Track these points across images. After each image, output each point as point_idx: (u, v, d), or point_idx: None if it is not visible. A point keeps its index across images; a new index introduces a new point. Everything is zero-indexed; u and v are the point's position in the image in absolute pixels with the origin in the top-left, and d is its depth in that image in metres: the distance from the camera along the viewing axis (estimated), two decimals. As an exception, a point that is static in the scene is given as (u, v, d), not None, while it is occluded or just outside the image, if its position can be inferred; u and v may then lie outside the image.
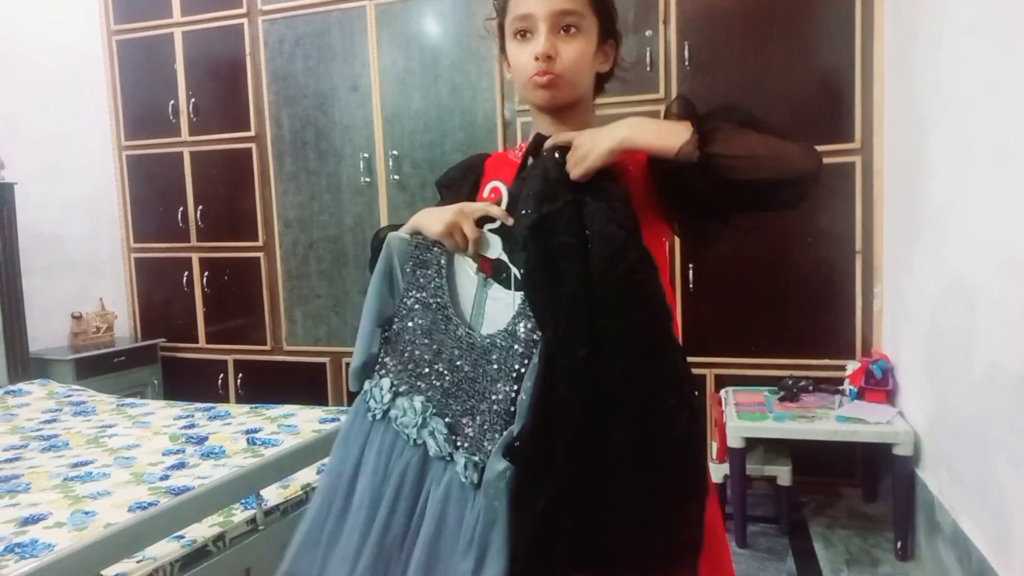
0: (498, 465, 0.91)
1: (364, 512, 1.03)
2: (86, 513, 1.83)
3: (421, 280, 1.08)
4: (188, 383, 3.85)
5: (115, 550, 1.42)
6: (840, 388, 2.78)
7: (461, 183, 1.19)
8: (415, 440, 1.02)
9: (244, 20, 3.61)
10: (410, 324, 1.08)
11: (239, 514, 1.80)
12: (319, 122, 3.57)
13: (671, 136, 0.91)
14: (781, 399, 2.75)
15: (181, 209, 3.83)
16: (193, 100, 3.75)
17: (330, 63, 3.51)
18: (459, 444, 0.99)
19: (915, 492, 2.41)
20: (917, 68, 2.39)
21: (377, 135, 3.46)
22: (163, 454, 2.31)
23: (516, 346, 0.96)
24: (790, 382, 2.81)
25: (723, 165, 0.88)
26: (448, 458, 0.99)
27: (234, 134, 3.71)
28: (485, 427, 0.97)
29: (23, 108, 3.54)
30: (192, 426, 2.62)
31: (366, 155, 3.47)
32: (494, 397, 0.96)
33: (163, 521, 1.52)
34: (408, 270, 1.09)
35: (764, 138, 0.92)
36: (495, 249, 1.05)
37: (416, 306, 1.08)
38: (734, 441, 2.56)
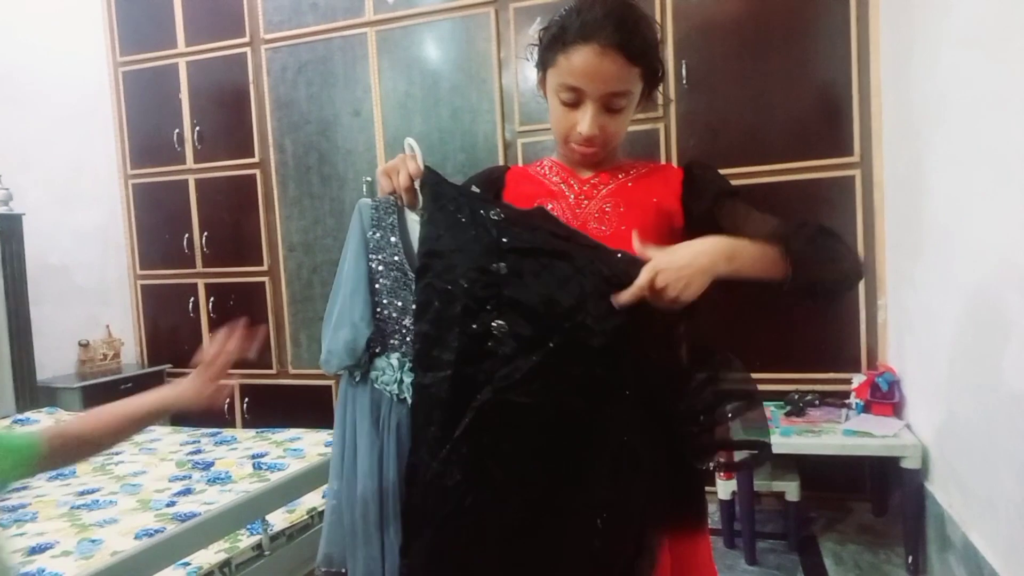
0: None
1: (373, 468, 1.09)
2: (93, 541, 1.83)
3: (381, 242, 1.11)
4: (195, 409, 3.84)
5: (121, 577, 1.42)
6: (846, 402, 2.77)
7: (485, 191, 1.18)
8: (398, 396, 1.07)
9: (247, 49, 3.67)
10: (377, 285, 1.11)
11: (245, 540, 1.81)
12: (322, 147, 3.60)
13: (768, 266, 0.96)
14: (787, 414, 2.74)
15: (187, 235, 3.87)
16: (198, 128, 3.80)
17: (332, 89, 3.56)
18: None
19: (925, 506, 2.39)
20: (914, 80, 2.41)
21: (379, 159, 3.49)
22: (169, 480, 2.32)
23: None
24: (796, 397, 2.80)
25: (809, 284, 0.98)
26: None
27: (238, 160, 3.75)
28: None
29: (32, 140, 3.60)
30: (199, 451, 2.63)
31: (368, 179, 3.50)
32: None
33: (169, 548, 1.53)
34: (371, 233, 1.12)
35: (834, 250, 1.00)
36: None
37: (380, 267, 1.11)
38: (741, 457, 2.54)
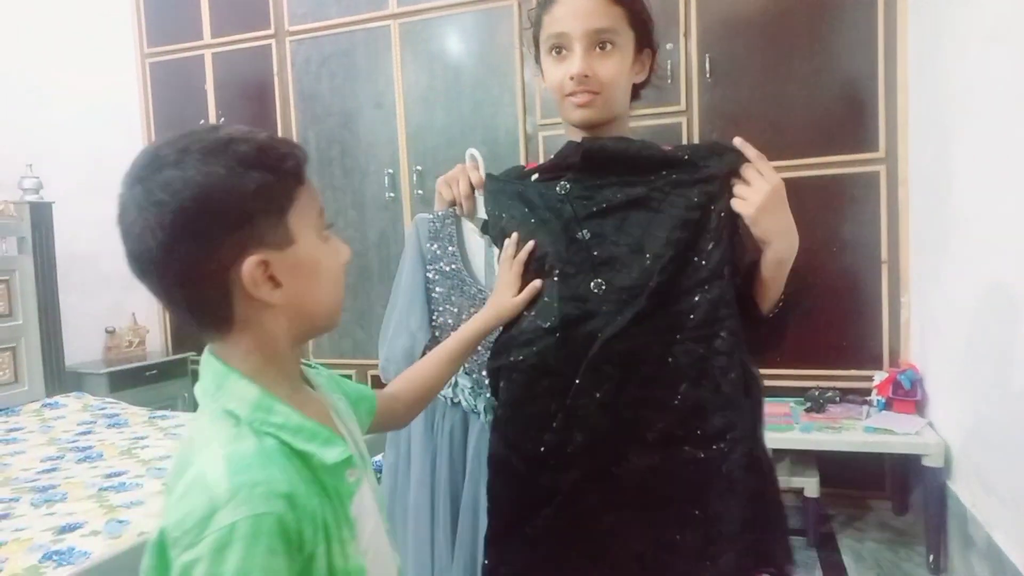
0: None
1: (425, 474, 1.13)
2: (120, 522, 1.87)
3: (438, 252, 1.15)
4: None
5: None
6: (867, 399, 2.75)
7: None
8: (452, 399, 1.11)
9: (272, 40, 3.71)
10: (434, 295, 1.15)
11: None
12: (344, 139, 3.63)
13: (775, 292, 1.03)
14: (807, 410, 2.73)
15: (211, 226, 3.91)
16: (222, 119, 3.84)
17: (355, 81, 3.58)
18: (486, 395, 1.11)
19: (946, 505, 2.37)
20: (941, 76, 2.38)
21: (401, 151, 3.51)
22: (194, 465, 2.36)
23: None
24: (816, 393, 2.79)
25: (778, 331, 1.06)
26: (475, 410, 1.10)
27: (262, 152, 3.78)
28: None
29: (61, 130, 3.66)
30: (222, 438, 2.67)
31: (391, 171, 3.52)
32: None
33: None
34: (428, 245, 1.16)
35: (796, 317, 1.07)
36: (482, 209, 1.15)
37: (436, 276, 1.15)
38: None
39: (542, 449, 0.99)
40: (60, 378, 3.43)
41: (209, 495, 0.61)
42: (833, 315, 2.91)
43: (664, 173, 1.02)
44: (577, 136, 1.12)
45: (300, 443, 0.68)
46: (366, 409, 0.92)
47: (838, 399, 2.79)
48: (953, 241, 2.31)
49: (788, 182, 3.10)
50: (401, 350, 1.13)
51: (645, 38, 1.10)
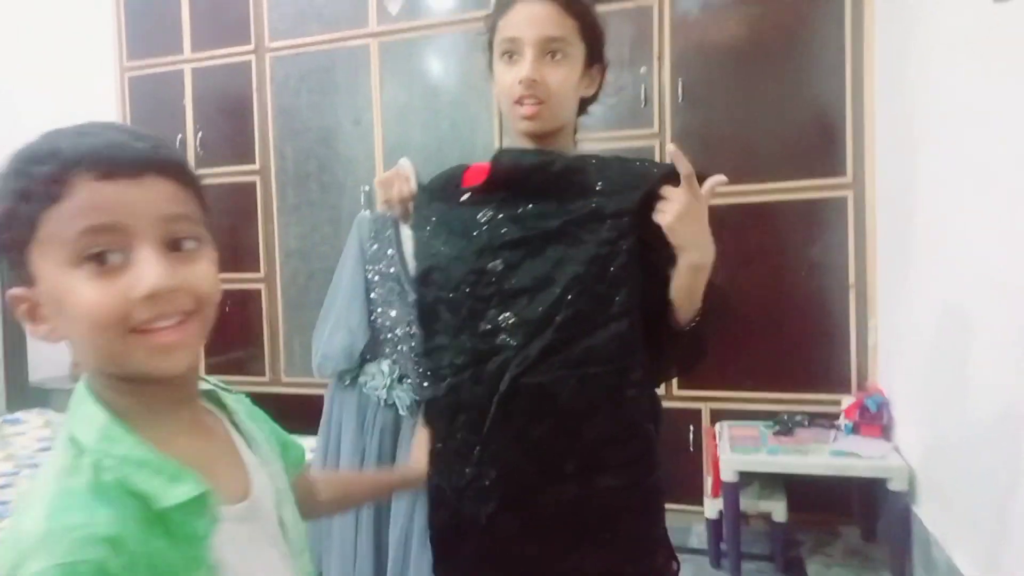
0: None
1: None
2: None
3: (378, 253, 1.17)
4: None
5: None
6: (835, 423, 2.75)
7: (444, 189, 1.21)
8: (385, 401, 1.12)
9: (252, 56, 3.72)
10: (373, 295, 1.16)
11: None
12: (322, 155, 3.63)
13: (692, 302, 1.03)
14: (776, 433, 2.72)
15: (185, 240, 3.88)
16: (200, 134, 3.83)
17: (334, 98, 3.59)
18: (418, 399, 1.11)
19: (911, 529, 2.37)
20: (907, 102, 2.43)
21: (378, 168, 3.51)
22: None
23: None
24: (785, 417, 2.79)
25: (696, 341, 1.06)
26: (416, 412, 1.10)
27: (239, 167, 3.78)
28: None
29: (35, 141, 3.64)
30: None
31: (367, 188, 3.52)
32: None
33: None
34: (369, 244, 1.17)
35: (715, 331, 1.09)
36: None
37: (376, 278, 1.16)
38: (727, 475, 2.53)
39: (464, 481, 1.02)
40: (23, 393, 3.37)
41: (19, 541, 0.54)
42: (802, 338, 2.93)
43: (581, 203, 1.03)
44: (520, 143, 1.13)
45: (139, 481, 0.59)
46: (294, 459, 0.87)
47: (807, 423, 2.79)
48: (916, 264, 2.34)
49: (759, 206, 3.15)
50: (340, 347, 1.13)
51: (596, 53, 1.12)
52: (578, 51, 1.08)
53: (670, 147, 1.01)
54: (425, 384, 1.09)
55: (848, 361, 2.88)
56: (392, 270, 1.11)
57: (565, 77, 1.06)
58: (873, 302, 2.84)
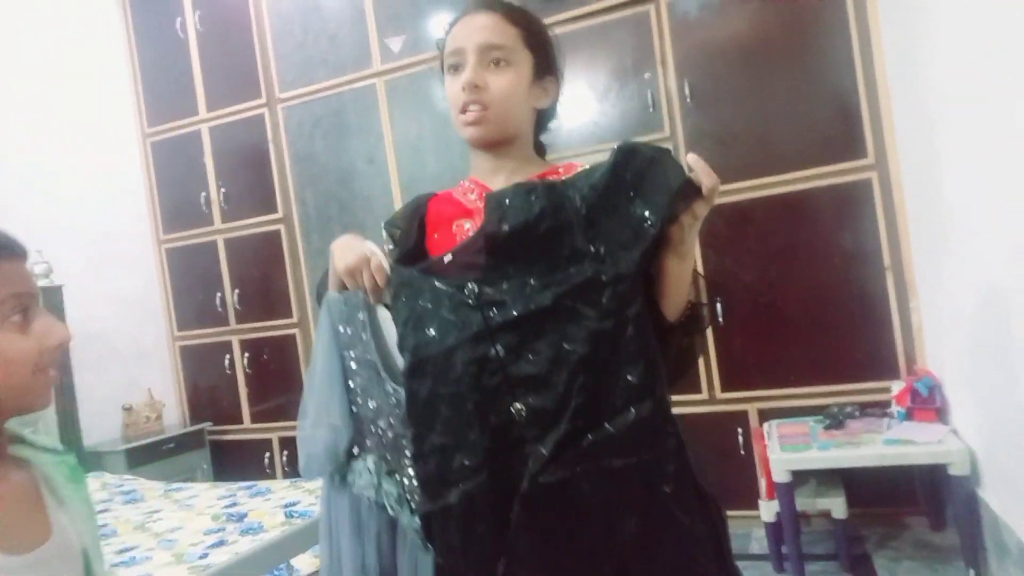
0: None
1: None
2: (126, 598, 1.86)
3: (353, 338, 1.04)
4: (236, 464, 3.91)
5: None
6: (888, 411, 2.66)
7: (410, 223, 1.15)
8: (375, 502, 1.01)
9: (264, 109, 3.81)
10: (352, 384, 1.04)
11: (271, 587, 1.81)
12: (341, 197, 3.69)
13: (686, 284, 1.00)
14: (827, 427, 2.64)
15: (219, 294, 3.97)
16: (223, 189, 3.93)
17: (347, 140, 3.65)
18: (410, 500, 0.99)
19: (979, 514, 2.27)
20: (920, 74, 2.37)
21: (396, 202, 3.55)
22: (204, 534, 2.34)
23: None
24: (835, 410, 2.71)
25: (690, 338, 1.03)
26: (401, 519, 0.99)
27: (263, 217, 3.86)
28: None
29: (69, 213, 3.76)
30: (234, 504, 2.66)
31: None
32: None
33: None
34: (341, 328, 1.05)
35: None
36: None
37: (354, 365, 1.04)
38: (779, 475, 2.46)
39: None
40: (80, 458, 3.42)
41: None
42: (843, 328, 2.85)
43: (574, 270, 0.93)
44: (481, 159, 1.12)
45: None
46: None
47: (858, 414, 2.70)
48: (951, 240, 2.26)
49: (782, 198, 3.10)
50: (323, 447, 1.02)
51: (546, 63, 1.11)
52: (523, 59, 1.07)
53: (691, 158, 0.93)
54: (427, 494, 0.96)
55: (893, 346, 2.79)
56: (369, 357, 1.02)
57: (509, 84, 1.05)
58: (912, 282, 2.76)
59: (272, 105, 3.80)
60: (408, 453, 1.00)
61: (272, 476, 3.79)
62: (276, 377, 3.88)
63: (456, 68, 1.07)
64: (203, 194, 3.96)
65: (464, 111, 1.05)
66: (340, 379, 1.04)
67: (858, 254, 2.83)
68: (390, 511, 1.00)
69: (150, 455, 3.67)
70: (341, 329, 1.05)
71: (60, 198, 3.74)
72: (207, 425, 3.99)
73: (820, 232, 2.88)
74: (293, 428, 3.57)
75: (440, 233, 1.12)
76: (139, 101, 4.15)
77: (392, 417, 1.01)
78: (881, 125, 2.77)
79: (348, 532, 1.03)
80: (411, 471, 1.00)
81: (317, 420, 1.05)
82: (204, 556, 2.13)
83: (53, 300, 3.42)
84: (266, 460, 3.87)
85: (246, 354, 3.93)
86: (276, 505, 2.55)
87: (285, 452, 3.82)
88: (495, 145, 1.09)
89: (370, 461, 1.03)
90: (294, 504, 2.53)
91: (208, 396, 4.09)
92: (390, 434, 1.02)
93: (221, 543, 2.24)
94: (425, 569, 0.99)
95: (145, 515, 2.67)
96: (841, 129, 2.82)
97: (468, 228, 1.08)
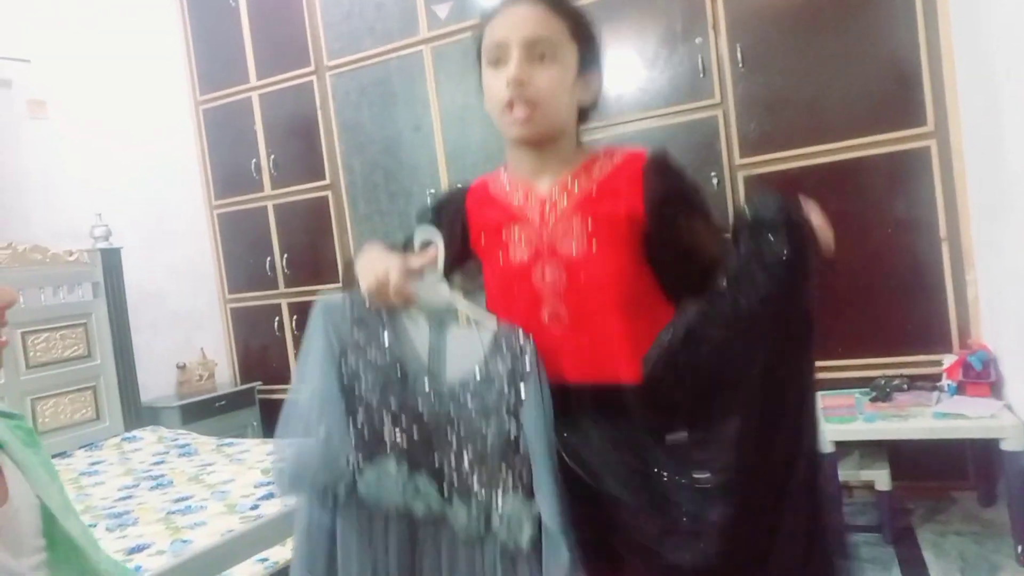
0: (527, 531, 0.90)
1: None
2: (184, 541, 1.95)
3: (362, 340, 1.00)
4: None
5: (203, 569, 1.51)
6: (938, 385, 2.60)
7: (452, 224, 1.14)
8: (399, 508, 0.96)
9: (313, 77, 3.85)
10: (356, 392, 1.00)
11: (320, 536, 1.88)
12: (387, 165, 3.72)
13: None
14: (873, 399, 2.60)
15: (269, 259, 4.07)
16: (272, 157, 4.00)
17: (393, 108, 3.68)
18: (446, 494, 0.95)
19: (1031, 490, 2.22)
20: (988, 39, 2.27)
21: (441, 171, 3.57)
22: (255, 487, 2.44)
23: (496, 383, 0.94)
24: (882, 382, 2.66)
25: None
26: (440, 515, 0.95)
27: (311, 184, 3.92)
28: (472, 468, 0.94)
29: (127, 180, 3.89)
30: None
31: (432, 191, 3.59)
32: (485, 434, 0.93)
33: (246, 544, 1.60)
34: (346, 335, 1.00)
35: None
36: (441, 296, 1.00)
37: (360, 370, 1.00)
38: (822, 446, 2.44)
39: None
40: (137, 413, 3.60)
41: None
42: (895, 298, 2.78)
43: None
44: (520, 155, 1.09)
45: None
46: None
47: (906, 387, 2.65)
48: (1012, 210, 2.18)
49: (835, 165, 3.03)
50: (319, 459, 0.98)
51: (590, 56, 1.07)
52: (569, 52, 1.03)
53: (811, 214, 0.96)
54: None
55: (946, 318, 2.72)
56: (388, 357, 0.99)
57: (555, 79, 1.01)
58: (969, 254, 2.67)
59: (320, 73, 3.84)
60: (454, 445, 0.96)
61: (319, 436, 3.90)
62: (323, 341, 3.96)
63: (498, 62, 1.02)
64: (253, 161, 4.05)
65: (511, 109, 1.01)
66: (337, 388, 1.00)
67: (912, 225, 2.75)
68: (421, 510, 0.95)
69: (203, 412, 3.81)
70: (346, 334, 1.01)
71: (119, 165, 3.87)
72: (257, 384, 4.12)
73: (872, 202, 2.80)
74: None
75: (488, 237, 1.11)
76: (192, 69, 4.23)
77: (424, 409, 0.98)
78: (943, 91, 2.66)
79: (355, 551, 0.98)
80: (458, 462, 0.96)
81: (308, 431, 1.00)
82: (255, 507, 2.22)
83: (112, 262, 3.56)
84: (313, 421, 3.97)
85: (294, 317, 4.03)
86: (324, 461, 2.64)
87: (331, 414, 3.92)
88: (541, 143, 1.06)
89: (389, 464, 0.98)
90: None
91: (258, 357, 4.22)
92: (415, 429, 0.98)
93: (271, 496, 2.32)
94: (457, 562, 0.96)
95: (199, 467, 2.79)
96: (900, 95, 2.72)
97: (519, 236, 1.07)
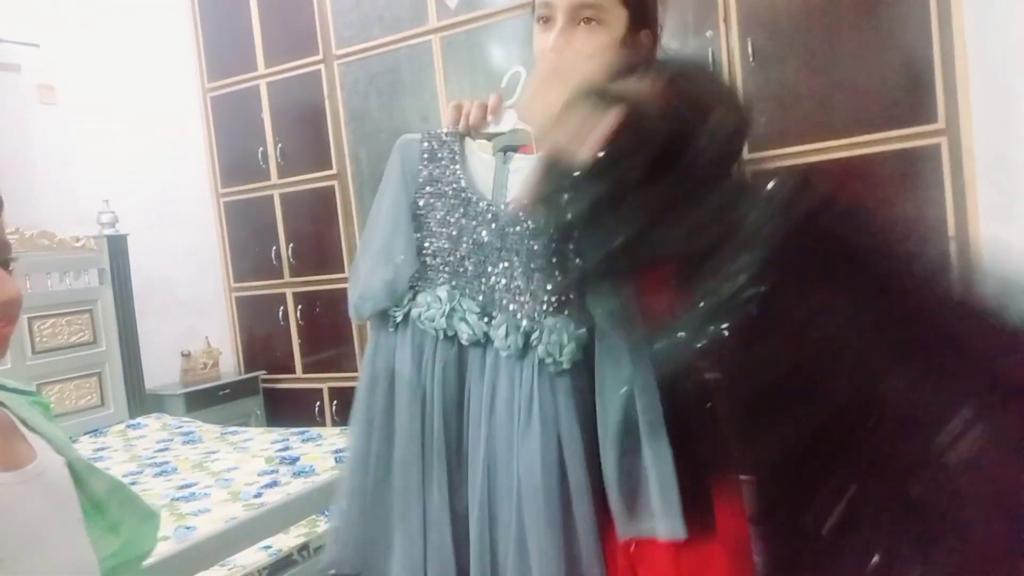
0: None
1: (414, 422, 1.02)
2: (187, 528, 1.96)
3: (434, 173, 1.06)
4: (288, 411, 4.04)
5: (207, 556, 1.51)
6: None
7: None
8: (445, 332, 1.00)
9: (321, 66, 3.84)
10: (427, 220, 1.05)
11: (323, 524, 1.89)
12: (394, 155, 3.71)
13: None
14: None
15: (274, 248, 4.07)
16: (280, 145, 4.00)
17: (401, 98, 3.66)
18: (493, 317, 1.00)
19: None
20: (1003, 38, 2.25)
21: (449, 162, 3.56)
22: (258, 474, 2.45)
23: None
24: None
25: None
26: (484, 339, 0.99)
27: (318, 173, 3.92)
28: (521, 282, 0.99)
29: (134, 166, 3.89)
30: (286, 448, 2.76)
31: (440, 182, 3.58)
32: (533, 250, 0.98)
33: (250, 531, 1.61)
34: (420, 168, 1.07)
35: None
36: (508, 122, 1.08)
37: (430, 199, 1.06)
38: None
39: None
40: (141, 400, 3.62)
41: None
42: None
43: None
44: None
45: None
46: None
47: (912, 386, 2.64)
48: (1022, 211, 2.17)
49: (843, 162, 3.00)
50: (381, 283, 1.03)
51: (641, 18, 1.05)
52: (617, 17, 1.01)
53: None
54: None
55: (954, 319, 2.71)
56: (454, 187, 1.04)
57: (598, 45, 1.00)
58: (978, 251, 2.65)
59: (328, 62, 3.83)
60: (503, 266, 1.01)
61: (322, 424, 3.91)
62: (328, 330, 3.97)
63: (546, 21, 1.03)
64: (260, 149, 4.04)
65: None
66: (407, 218, 1.06)
67: (920, 223, 2.73)
68: (467, 334, 0.99)
69: (207, 400, 3.83)
70: (419, 169, 1.08)
71: (126, 151, 3.87)
72: (261, 373, 4.13)
73: (881, 199, 2.79)
74: (343, 379, 3.67)
75: None
76: (200, 56, 4.23)
77: (484, 232, 1.02)
78: (955, 88, 2.64)
79: (408, 371, 1.03)
80: (506, 283, 1.00)
81: (376, 259, 1.05)
82: (259, 495, 2.23)
83: (118, 249, 3.57)
84: (316, 409, 3.99)
85: (299, 306, 4.03)
86: (327, 451, 2.64)
87: (335, 402, 3.93)
88: None
89: (441, 291, 1.02)
90: (343, 450, 2.62)
91: (262, 345, 4.23)
92: (473, 256, 1.03)
93: (274, 484, 2.33)
94: (495, 384, 0.99)
95: (203, 455, 2.80)
96: (911, 91, 2.70)
97: None
